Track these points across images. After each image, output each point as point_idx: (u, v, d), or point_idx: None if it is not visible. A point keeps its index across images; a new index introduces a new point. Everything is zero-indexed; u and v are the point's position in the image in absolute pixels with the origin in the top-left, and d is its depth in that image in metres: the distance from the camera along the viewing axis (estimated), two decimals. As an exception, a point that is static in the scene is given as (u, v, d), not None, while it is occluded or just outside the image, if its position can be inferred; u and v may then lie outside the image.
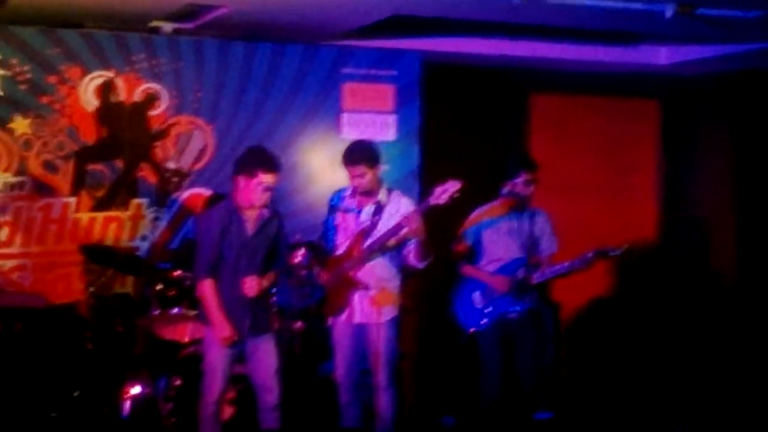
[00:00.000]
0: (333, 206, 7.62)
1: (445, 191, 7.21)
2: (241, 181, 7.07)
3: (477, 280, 8.08)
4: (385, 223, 7.42)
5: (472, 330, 8.08)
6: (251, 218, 7.12)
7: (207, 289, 7.09)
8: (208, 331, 7.14)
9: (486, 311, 8.02)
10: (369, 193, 7.46)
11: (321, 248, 7.61)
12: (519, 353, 8.06)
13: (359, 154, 7.46)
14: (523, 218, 8.06)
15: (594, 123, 10.64)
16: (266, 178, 7.02)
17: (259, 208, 7.10)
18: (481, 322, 8.03)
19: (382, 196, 7.51)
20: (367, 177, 7.41)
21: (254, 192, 7.04)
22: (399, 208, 7.42)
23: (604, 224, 10.03)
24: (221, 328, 7.02)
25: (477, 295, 8.07)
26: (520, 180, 8.01)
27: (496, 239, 8.07)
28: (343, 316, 7.50)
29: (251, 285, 7.04)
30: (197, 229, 7.42)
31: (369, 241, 7.43)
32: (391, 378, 7.46)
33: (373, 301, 7.38)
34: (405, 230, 7.29)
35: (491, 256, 8.07)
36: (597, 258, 7.91)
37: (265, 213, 7.14)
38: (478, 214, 8.16)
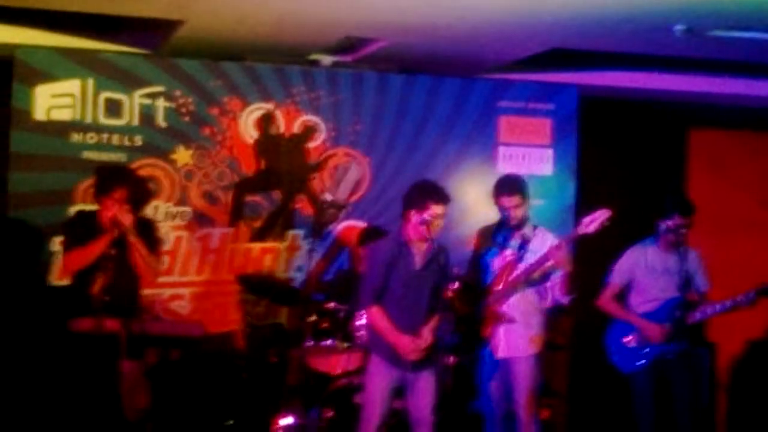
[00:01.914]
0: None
1: (594, 220, 7.15)
2: (413, 215, 7.06)
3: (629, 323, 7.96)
4: (529, 258, 7.36)
5: (628, 372, 7.94)
6: (419, 252, 7.11)
7: (376, 314, 7.11)
8: (372, 360, 7.15)
9: (642, 352, 7.88)
10: (519, 225, 7.41)
11: (470, 283, 7.57)
12: (675, 394, 7.90)
13: (517, 185, 7.48)
14: (678, 257, 7.89)
15: (754, 159, 10.40)
16: (437, 209, 7.00)
17: (429, 241, 7.08)
18: (637, 363, 7.89)
19: (527, 230, 7.46)
20: (522, 208, 7.38)
21: (425, 224, 7.01)
22: (545, 242, 7.37)
23: (765, 262, 9.77)
24: (402, 344, 7.01)
25: (632, 336, 7.93)
26: (671, 222, 7.84)
27: (652, 278, 7.93)
28: (487, 351, 7.45)
29: (426, 336, 7.02)
30: (367, 259, 7.43)
31: (514, 275, 7.38)
32: (534, 413, 7.38)
33: (529, 341, 7.34)
34: (551, 262, 7.21)
35: (647, 296, 7.94)
36: (759, 296, 7.71)
37: (433, 246, 7.13)
38: (635, 252, 8.02)
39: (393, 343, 7.04)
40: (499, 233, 7.52)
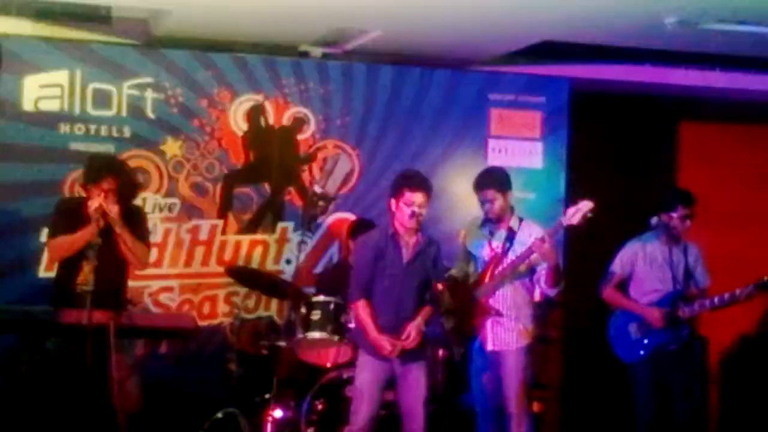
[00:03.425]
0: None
1: (578, 211, 7.14)
2: (392, 203, 7.05)
3: (631, 312, 7.95)
4: (516, 251, 7.34)
5: (629, 362, 7.94)
6: (408, 244, 7.07)
7: (361, 309, 7.09)
8: (361, 354, 7.13)
9: (644, 343, 7.88)
10: (498, 219, 7.39)
11: (459, 277, 7.55)
12: (674, 386, 7.91)
13: (488, 179, 7.45)
14: (678, 250, 7.91)
15: (746, 152, 10.38)
16: (413, 197, 6.96)
17: (414, 232, 7.05)
18: (639, 353, 7.89)
19: (513, 223, 7.44)
20: (497, 203, 7.36)
21: (402, 212, 6.99)
22: (531, 234, 7.34)
23: (759, 256, 9.75)
24: (380, 345, 6.99)
25: (634, 327, 7.93)
26: (676, 214, 7.86)
27: (653, 271, 7.94)
28: (477, 344, 7.43)
29: (411, 334, 6.99)
30: (354, 253, 7.41)
31: (501, 268, 7.37)
32: (525, 407, 7.36)
33: (519, 334, 7.32)
34: (535, 255, 7.20)
35: (647, 288, 7.94)
36: (758, 290, 7.71)
37: (421, 239, 7.09)
38: (634, 245, 8.02)
39: (372, 342, 7.02)
40: (485, 226, 7.50)
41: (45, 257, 8.19)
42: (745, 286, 7.69)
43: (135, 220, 7.38)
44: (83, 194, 7.34)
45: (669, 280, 7.90)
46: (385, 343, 6.98)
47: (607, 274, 8.05)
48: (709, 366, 9.65)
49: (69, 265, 7.19)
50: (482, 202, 7.42)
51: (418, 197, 6.97)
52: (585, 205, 7.14)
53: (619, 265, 8.03)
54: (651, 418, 7.86)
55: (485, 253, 7.48)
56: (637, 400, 7.93)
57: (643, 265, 7.95)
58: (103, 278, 6.94)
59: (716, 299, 7.81)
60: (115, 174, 7.28)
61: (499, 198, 7.37)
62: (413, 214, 6.97)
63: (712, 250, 8.31)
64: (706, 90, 9.71)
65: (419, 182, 7.03)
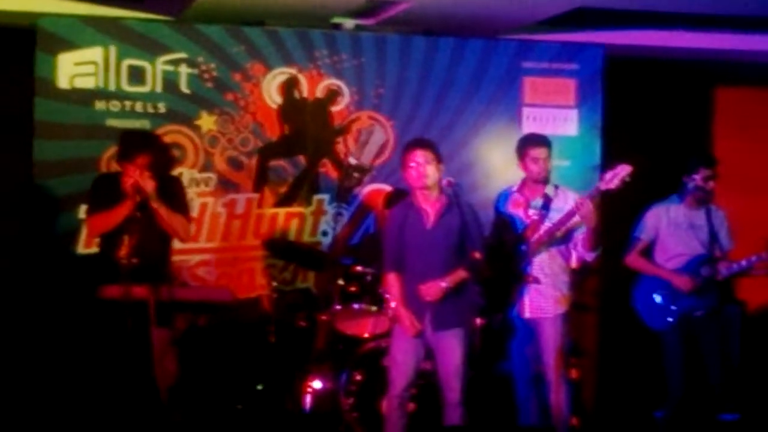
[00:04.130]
0: (498, 209, 7.60)
1: (616, 176, 7.14)
2: (403, 169, 7.09)
3: (658, 277, 7.93)
4: (552, 218, 7.35)
5: (658, 329, 7.92)
6: (429, 212, 7.08)
7: (389, 282, 7.12)
8: (394, 325, 7.15)
9: (671, 309, 7.86)
10: (544, 181, 7.39)
11: (492, 244, 7.54)
12: (704, 352, 7.89)
13: (539, 137, 7.53)
14: (704, 214, 7.87)
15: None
16: (416, 156, 6.99)
17: (435, 198, 7.04)
18: (667, 320, 7.87)
19: (549, 190, 7.45)
20: (549, 162, 7.37)
21: (409, 174, 7.02)
22: (567, 201, 7.35)
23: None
24: (403, 321, 7.02)
25: (660, 293, 7.91)
26: (698, 176, 7.85)
27: (678, 235, 7.92)
28: (515, 312, 7.45)
29: (429, 291, 6.98)
30: (383, 226, 7.43)
31: (538, 234, 7.36)
32: (563, 374, 7.39)
33: (556, 301, 7.32)
34: (576, 219, 7.19)
35: (672, 252, 7.93)
36: None
37: (444, 204, 7.09)
38: (658, 209, 7.99)
39: (395, 315, 7.05)
40: (521, 192, 7.50)
41: (84, 234, 8.25)
42: None
43: (173, 193, 7.41)
44: (119, 170, 7.39)
45: (694, 244, 7.87)
46: (405, 319, 7.01)
47: (631, 239, 8.02)
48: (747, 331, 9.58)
49: (110, 241, 7.22)
50: (533, 160, 7.40)
51: (420, 155, 6.99)
52: (623, 169, 7.13)
53: (643, 230, 8.00)
54: (682, 384, 7.85)
55: (522, 220, 7.49)
56: (668, 367, 7.92)
57: (667, 230, 7.93)
58: (144, 253, 7.00)
59: (744, 262, 7.78)
60: (149, 150, 7.33)
61: (550, 158, 7.39)
62: (418, 173, 6.98)
63: (747, 216, 8.29)
64: (741, 54, 9.63)
65: (420, 141, 7.17)
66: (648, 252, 8.05)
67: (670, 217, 7.95)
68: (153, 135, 8.16)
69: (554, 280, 7.43)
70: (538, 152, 7.40)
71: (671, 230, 7.94)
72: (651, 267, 7.97)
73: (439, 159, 7.05)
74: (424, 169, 6.99)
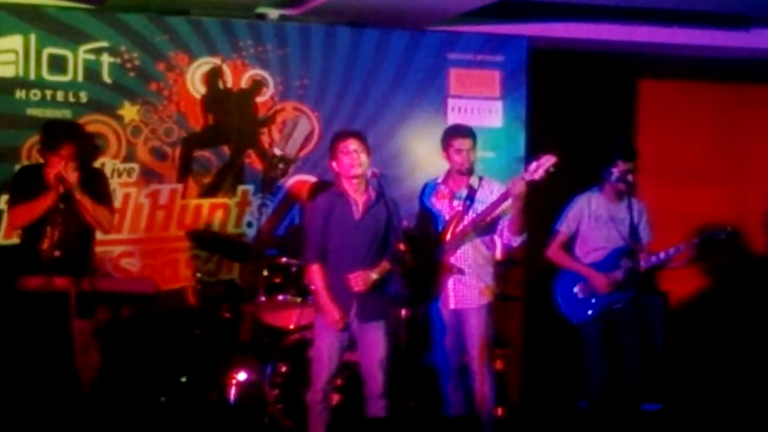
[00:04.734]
0: (423, 201, 7.60)
1: (540, 166, 7.14)
2: (333, 164, 7.05)
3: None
4: (476, 209, 7.37)
5: (577, 322, 7.94)
6: (358, 202, 7.05)
7: (314, 273, 7.07)
8: (318, 316, 7.12)
9: (591, 302, 7.88)
10: (468, 172, 7.40)
11: (416, 235, 7.55)
12: (625, 343, 7.92)
13: (464, 129, 7.52)
14: (625, 207, 7.88)
15: (705, 109, 10.42)
16: (347, 144, 6.95)
17: (363, 190, 7.03)
18: (586, 313, 7.90)
19: (473, 181, 7.46)
20: (472, 153, 7.38)
21: (342, 163, 6.98)
22: (492, 192, 7.37)
23: (715, 213, 9.80)
24: (328, 313, 6.99)
25: (580, 286, 7.92)
26: (616, 169, 7.81)
27: (599, 228, 7.91)
28: (439, 303, 7.46)
29: (357, 280, 6.96)
30: (306, 216, 7.40)
31: (462, 225, 7.38)
32: (487, 365, 7.40)
33: (480, 292, 7.34)
34: (501, 208, 7.21)
35: (593, 245, 7.91)
36: (703, 244, 7.74)
37: (372, 196, 7.07)
38: (580, 202, 8.01)
39: (321, 308, 7.02)
40: (445, 184, 7.51)
41: (4, 225, 8.14)
42: (689, 240, 7.73)
43: (96, 184, 7.34)
44: (42, 161, 7.29)
45: (614, 237, 7.87)
46: (332, 312, 6.97)
47: (552, 232, 8.03)
48: (669, 321, 9.67)
49: (33, 232, 7.14)
50: (455, 152, 7.40)
51: (351, 143, 6.97)
52: (547, 160, 7.15)
53: (564, 222, 7.98)
54: (603, 377, 7.86)
55: (446, 211, 7.49)
56: (588, 359, 7.91)
57: (588, 222, 7.90)
58: (67, 244, 6.92)
59: (662, 254, 7.82)
60: (72, 140, 7.24)
61: (472, 149, 7.39)
62: (352, 161, 6.95)
63: (671, 206, 8.36)
64: (664, 47, 9.72)
65: (348, 131, 7.15)
66: (570, 245, 8.05)
67: (591, 210, 7.92)
68: (77, 125, 8.05)
69: (478, 270, 7.43)
70: (462, 143, 7.40)
71: (592, 223, 7.91)
72: (571, 262, 7.96)
73: (368, 150, 7.04)
74: (359, 157, 6.97)
